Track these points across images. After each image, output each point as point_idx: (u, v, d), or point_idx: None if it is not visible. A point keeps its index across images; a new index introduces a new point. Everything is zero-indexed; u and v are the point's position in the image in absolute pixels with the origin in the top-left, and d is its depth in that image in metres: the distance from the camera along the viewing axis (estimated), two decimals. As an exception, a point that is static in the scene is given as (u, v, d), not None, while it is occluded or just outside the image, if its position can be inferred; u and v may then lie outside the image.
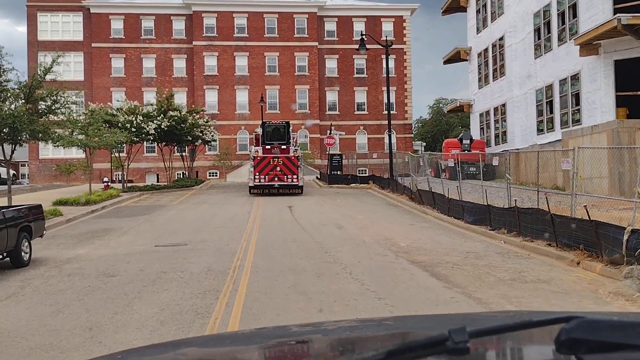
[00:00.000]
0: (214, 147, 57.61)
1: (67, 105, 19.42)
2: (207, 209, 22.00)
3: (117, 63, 57.87)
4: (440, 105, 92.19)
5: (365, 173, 42.57)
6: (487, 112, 34.23)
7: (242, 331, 2.02)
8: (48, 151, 58.94)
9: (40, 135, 18.93)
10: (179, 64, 58.31)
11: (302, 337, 1.65)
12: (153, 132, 29.43)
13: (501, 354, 1.43)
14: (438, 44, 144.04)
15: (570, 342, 1.08)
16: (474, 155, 31.15)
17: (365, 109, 60.55)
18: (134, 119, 28.82)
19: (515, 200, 13.95)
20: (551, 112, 26.78)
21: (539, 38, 27.81)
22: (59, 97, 18.92)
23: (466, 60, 37.59)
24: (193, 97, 56.63)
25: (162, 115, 30.37)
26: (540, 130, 27.79)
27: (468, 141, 31.85)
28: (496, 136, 33.05)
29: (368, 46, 61.48)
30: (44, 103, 18.77)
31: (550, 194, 14.24)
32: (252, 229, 15.67)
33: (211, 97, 57.90)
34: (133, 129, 28.70)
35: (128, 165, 31.79)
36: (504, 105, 31.82)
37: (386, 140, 62.95)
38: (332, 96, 60.26)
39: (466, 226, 15.65)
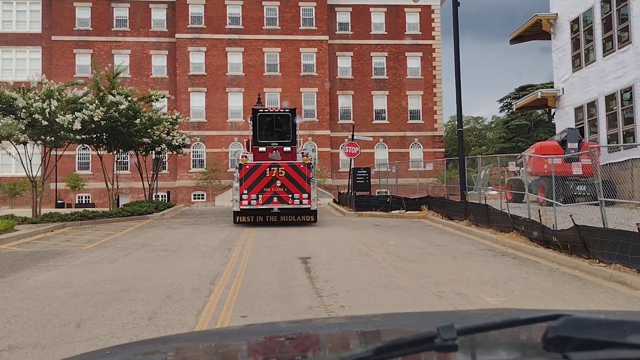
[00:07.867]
0: (199, 162, 46.58)
1: None
2: (134, 266, 10.59)
3: (83, 60, 47.23)
4: (456, 122, 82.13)
5: (387, 193, 30.62)
6: (592, 104, 23.00)
7: (231, 327, 1.85)
8: (-5, 168, 47.88)
9: None
10: (159, 62, 47.75)
11: (291, 333, 1.62)
12: (80, 127, 18.04)
13: (489, 351, 1.38)
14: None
15: (557, 340, 1.07)
16: (586, 166, 20.04)
17: (386, 118, 49.70)
18: (46, 106, 17.54)
19: None
20: None
21: None
22: None
23: (546, 36, 26.57)
24: (176, 101, 45.76)
25: (97, 102, 19.16)
26: None
27: (576, 144, 20.53)
28: (611, 137, 21.79)
29: (389, 42, 50.87)
30: None
31: None
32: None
33: (197, 101, 47.11)
34: (44, 122, 17.48)
35: (43, 180, 20.54)
36: (628, 89, 20.64)
37: (412, 156, 51.76)
38: (345, 101, 49.43)
39: None
